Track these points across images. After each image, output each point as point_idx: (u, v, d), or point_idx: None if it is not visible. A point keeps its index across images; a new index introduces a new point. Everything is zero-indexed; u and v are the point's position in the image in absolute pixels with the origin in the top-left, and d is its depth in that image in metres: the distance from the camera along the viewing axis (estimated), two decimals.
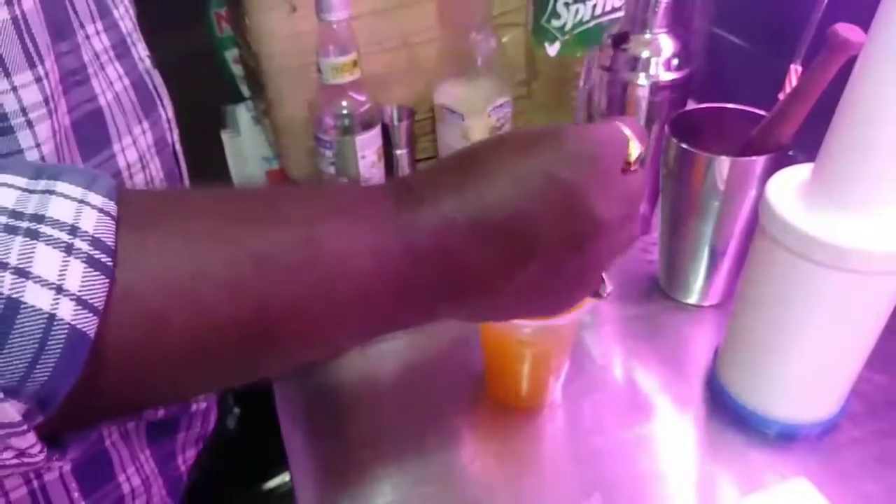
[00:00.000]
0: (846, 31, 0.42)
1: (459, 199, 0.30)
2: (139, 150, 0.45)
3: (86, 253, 0.22)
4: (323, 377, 0.55)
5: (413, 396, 0.52)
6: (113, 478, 0.46)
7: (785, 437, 0.47)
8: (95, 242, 0.22)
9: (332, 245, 0.27)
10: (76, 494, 0.43)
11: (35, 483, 0.41)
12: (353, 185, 0.42)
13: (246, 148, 0.88)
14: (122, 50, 0.44)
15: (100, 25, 0.42)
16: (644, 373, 0.53)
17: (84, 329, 0.21)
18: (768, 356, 0.46)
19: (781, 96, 0.49)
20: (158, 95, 0.49)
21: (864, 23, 0.36)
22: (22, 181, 0.23)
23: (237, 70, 0.99)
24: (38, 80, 0.34)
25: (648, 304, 0.60)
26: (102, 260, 0.22)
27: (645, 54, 0.57)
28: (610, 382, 0.53)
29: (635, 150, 0.34)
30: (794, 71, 0.50)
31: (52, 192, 0.23)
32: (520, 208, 0.30)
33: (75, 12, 0.40)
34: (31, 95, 0.33)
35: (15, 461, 0.23)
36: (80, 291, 0.21)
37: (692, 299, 0.59)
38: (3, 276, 0.20)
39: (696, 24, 0.81)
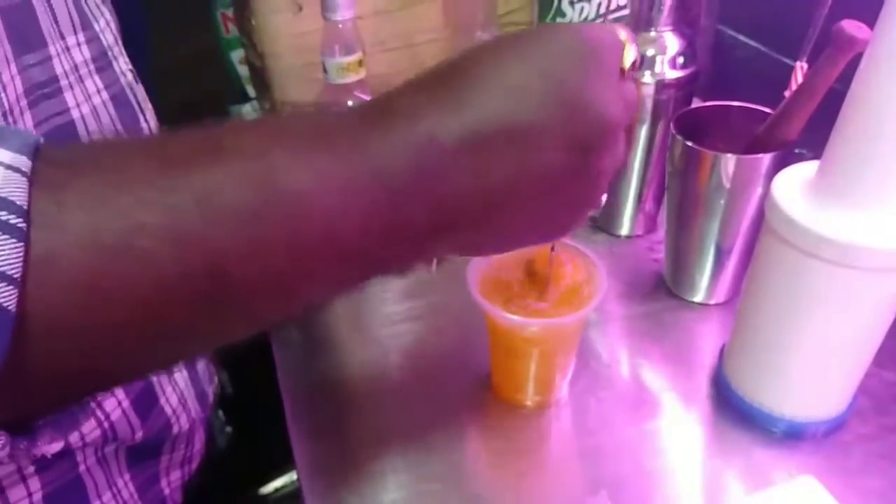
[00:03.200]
0: (852, 28, 0.41)
1: (441, 113, 0.26)
2: None
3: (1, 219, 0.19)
4: (328, 374, 0.55)
5: (419, 393, 0.53)
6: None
7: (791, 435, 0.47)
8: (3, 203, 0.19)
9: (290, 179, 0.23)
10: None
11: None
12: (317, 111, 0.37)
13: None
14: (103, 63, 0.44)
15: (81, 37, 0.42)
16: (650, 371, 0.53)
17: (1, 302, 0.19)
18: (775, 354, 0.45)
19: (787, 94, 0.49)
20: (141, 110, 0.49)
21: (870, 20, 0.36)
22: None
23: (243, 71, 1.00)
24: None
25: (654, 302, 0.60)
26: (12, 222, 0.19)
27: (650, 52, 0.57)
28: (616, 380, 0.53)
29: (630, 54, 0.31)
30: (800, 68, 0.50)
31: None
32: (516, 115, 0.26)
33: (56, 22, 0.40)
34: None
35: None
36: None
37: (698, 297, 0.59)
38: None
39: (702, 22, 0.81)
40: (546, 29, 0.29)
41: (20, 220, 0.19)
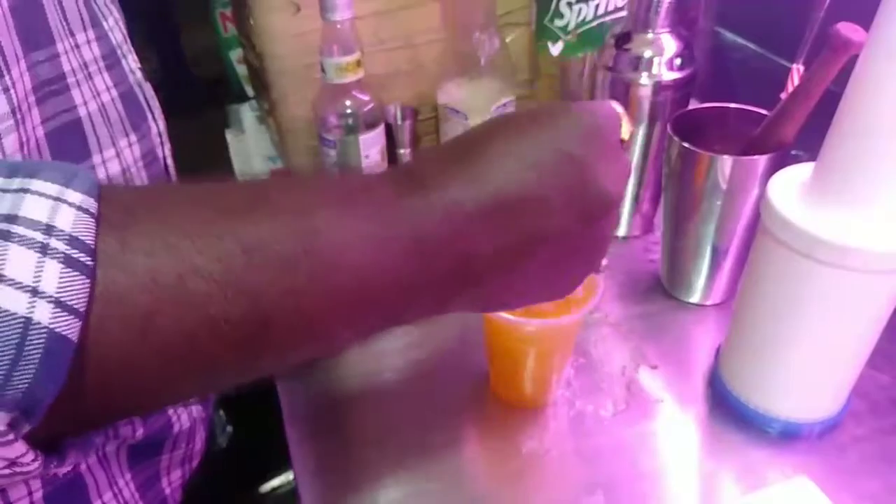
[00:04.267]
0: (848, 30, 0.42)
1: (466, 183, 0.28)
2: (123, 162, 0.44)
3: (63, 253, 0.21)
4: (326, 376, 0.55)
5: (416, 395, 0.53)
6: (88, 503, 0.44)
7: (787, 436, 0.47)
8: (73, 241, 0.21)
9: (328, 235, 0.26)
10: None
11: None
12: (350, 174, 0.40)
13: (250, 147, 0.89)
14: (112, 61, 0.44)
15: (91, 34, 0.42)
16: (646, 371, 0.53)
17: (64, 333, 0.20)
18: (770, 355, 0.46)
19: (783, 96, 0.49)
20: (150, 108, 0.49)
21: (866, 22, 0.36)
22: None
23: (241, 70, 1.00)
24: (6, 90, 0.33)
25: (651, 303, 0.60)
26: (81, 259, 0.21)
27: (647, 54, 0.57)
28: (612, 381, 0.53)
29: (626, 127, 0.34)
30: (797, 70, 0.50)
31: (26, 191, 0.21)
32: (531, 186, 0.29)
33: (65, 20, 0.40)
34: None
35: (7, 471, 0.22)
36: (57, 293, 0.20)
37: (694, 298, 0.59)
38: None
39: (699, 24, 0.81)
40: (557, 107, 0.32)
41: (88, 258, 0.21)
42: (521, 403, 0.51)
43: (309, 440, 0.50)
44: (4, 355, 0.20)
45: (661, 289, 0.61)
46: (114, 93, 0.44)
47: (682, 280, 0.59)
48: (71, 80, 0.39)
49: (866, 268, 0.39)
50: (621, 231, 0.68)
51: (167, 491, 0.53)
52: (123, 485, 0.48)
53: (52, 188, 0.22)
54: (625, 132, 0.34)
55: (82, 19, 0.41)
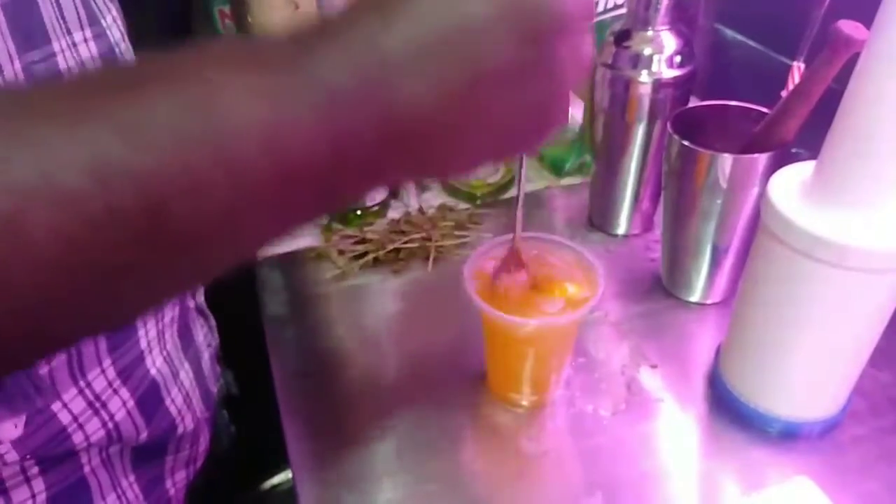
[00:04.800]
0: (849, 28, 0.41)
1: (380, 22, 0.24)
2: None
3: None
4: (324, 375, 0.55)
5: (415, 394, 0.52)
6: None
7: (787, 436, 0.47)
8: None
9: (224, 99, 0.21)
10: None
11: None
12: (246, 37, 0.34)
13: None
14: (110, 60, 0.44)
15: (88, 33, 0.41)
16: (646, 370, 0.53)
17: None
18: (771, 354, 0.45)
19: (784, 94, 0.49)
20: None
21: (867, 20, 0.36)
22: None
23: None
24: None
25: (651, 301, 0.60)
26: None
27: (647, 51, 0.57)
28: (612, 380, 0.53)
29: None
30: (797, 68, 0.49)
31: None
32: (458, 11, 0.24)
33: (62, 18, 0.40)
34: None
35: None
36: None
37: (694, 297, 0.59)
38: None
39: (699, 21, 0.81)
40: None
41: None
42: (520, 403, 0.51)
43: (307, 440, 0.50)
44: None
45: (661, 287, 0.61)
46: None
47: (682, 279, 0.59)
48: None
49: (867, 267, 0.38)
50: (621, 229, 0.68)
51: (171, 492, 0.53)
52: (127, 486, 0.48)
53: None
54: None
55: (79, 17, 0.41)
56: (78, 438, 0.43)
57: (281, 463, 0.66)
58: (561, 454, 0.48)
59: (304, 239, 0.69)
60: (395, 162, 0.26)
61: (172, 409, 0.51)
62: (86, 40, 0.41)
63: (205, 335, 0.60)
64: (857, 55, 0.37)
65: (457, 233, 0.68)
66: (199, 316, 0.60)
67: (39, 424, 0.41)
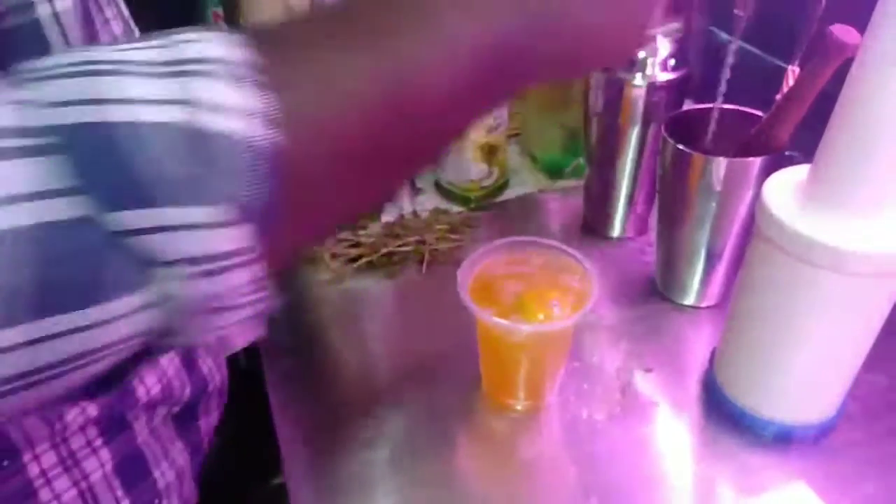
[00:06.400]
0: (842, 32, 0.41)
1: None
2: None
3: (248, 78, 0.21)
4: (318, 380, 0.55)
5: (409, 399, 0.52)
6: (149, 475, 0.47)
7: (782, 439, 0.47)
8: (250, 66, 0.22)
9: (447, 22, 0.27)
10: (119, 493, 0.45)
11: (83, 484, 0.43)
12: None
13: None
14: (130, 36, 0.44)
15: (114, 9, 0.42)
16: (640, 374, 0.53)
17: (275, 144, 0.21)
18: (765, 358, 0.45)
19: (778, 97, 0.49)
20: None
21: (862, 24, 0.36)
22: (153, 43, 0.22)
23: None
24: None
25: (645, 305, 0.60)
26: (264, 81, 0.22)
27: (641, 54, 0.57)
28: (606, 384, 0.52)
29: None
30: (792, 72, 0.49)
31: (187, 41, 0.22)
32: None
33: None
34: None
35: (247, 298, 0.24)
36: (262, 110, 0.21)
37: (689, 300, 0.59)
38: (194, 110, 0.20)
39: (695, 25, 0.81)
40: None
41: (268, 79, 0.22)
42: (515, 408, 0.51)
43: (300, 444, 0.50)
44: (241, 171, 0.21)
45: (655, 291, 0.61)
46: None
47: (676, 282, 0.59)
48: None
49: (862, 271, 0.38)
50: (615, 232, 0.68)
51: (201, 457, 0.55)
52: (177, 453, 0.50)
53: (205, 35, 0.22)
54: None
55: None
56: (141, 392, 0.45)
57: (274, 468, 0.66)
58: (556, 459, 0.48)
59: None
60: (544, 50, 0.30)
61: (204, 368, 0.53)
62: (114, 17, 0.41)
63: None
64: (852, 58, 0.37)
65: (451, 236, 0.68)
66: None
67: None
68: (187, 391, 0.50)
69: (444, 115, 0.29)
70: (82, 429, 0.43)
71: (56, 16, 0.35)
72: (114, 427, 0.45)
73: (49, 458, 0.41)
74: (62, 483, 0.42)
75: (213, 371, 0.55)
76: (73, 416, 0.42)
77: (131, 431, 0.46)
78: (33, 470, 0.41)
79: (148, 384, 0.47)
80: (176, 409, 0.50)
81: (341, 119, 0.24)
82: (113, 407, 0.44)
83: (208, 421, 0.55)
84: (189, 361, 0.51)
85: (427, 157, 0.32)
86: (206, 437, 0.56)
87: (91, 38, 0.39)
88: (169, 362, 0.49)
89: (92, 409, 0.43)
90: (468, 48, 0.27)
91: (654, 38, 0.36)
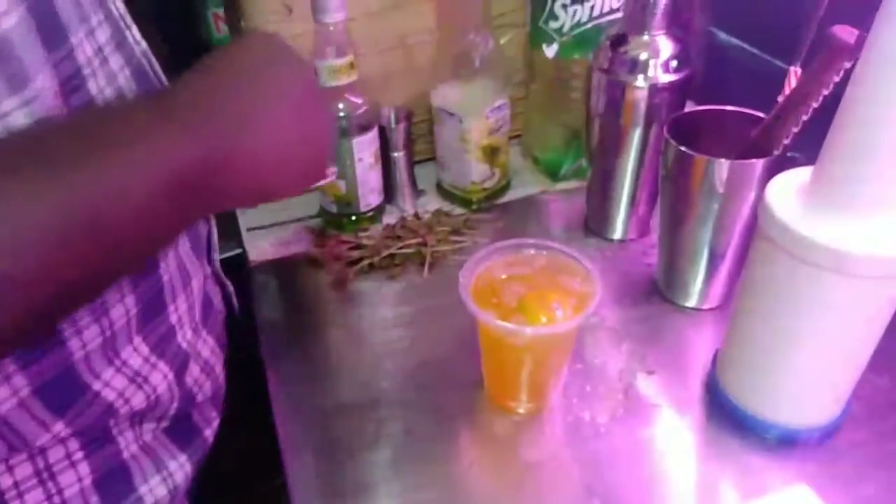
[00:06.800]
0: (844, 33, 0.41)
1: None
2: None
3: None
4: (320, 382, 0.54)
5: (410, 401, 0.52)
6: (132, 491, 0.46)
7: (785, 442, 0.47)
8: None
9: (126, 158, 0.30)
10: None
11: (56, 498, 0.42)
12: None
13: None
14: (120, 38, 0.43)
15: (101, 14, 0.41)
16: (643, 376, 0.53)
17: None
18: (768, 360, 0.45)
19: (781, 98, 0.49)
20: (159, 80, 0.48)
21: (864, 25, 0.36)
22: None
23: None
24: (27, 102, 0.33)
25: (647, 306, 0.60)
26: None
27: (643, 56, 0.57)
28: (609, 386, 0.52)
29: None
30: (794, 73, 0.49)
31: None
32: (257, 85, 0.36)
33: (79, 5, 0.38)
34: (21, 120, 0.33)
35: None
36: None
37: (691, 302, 0.59)
38: None
39: (695, 26, 0.81)
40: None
41: None
42: (517, 410, 0.51)
43: (301, 447, 0.49)
44: None
45: (657, 292, 0.61)
46: (127, 72, 0.43)
47: (678, 284, 0.59)
48: (88, 70, 0.38)
49: (866, 273, 0.38)
50: (617, 234, 0.67)
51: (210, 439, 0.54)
52: (177, 467, 0.49)
53: None
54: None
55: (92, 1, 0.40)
56: (119, 404, 0.44)
57: (275, 469, 0.66)
58: (558, 461, 0.48)
59: (299, 245, 0.69)
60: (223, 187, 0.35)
61: (188, 380, 0.51)
62: (100, 23, 0.40)
63: (218, 302, 0.59)
64: (857, 60, 0.37)
65: (452, 238, 0.68)
66: (216, 283, 0.60)
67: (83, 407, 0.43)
68: (174, 405, 0.49)
69: (122, 244, 0.31)
70: (62, 441, 0.42)
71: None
72: (96, 440, 0.44)
73: (24, 470, 0.41)
74: (35, 496, 0.41)
75: (202, 381, 0.53)
76: (59, 427, 0.41)
77: (115, 445, 0.45)
78: (5, 481, 0.40)
79: (128, 396, 0.45)
80: (165, 423, 0.49)
81: (18, 253, 0.26)
82: (94, 419, 0.43)
83: (210, 432, 0.54)
84: (179, 372, 0.50)
85: (111, 276, 0.34)
86: (211, 445, 0.54)
87: (67, 53, 0.37)
88: (161, 379, 0.47)
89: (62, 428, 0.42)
90: (144, 181, 0.30)
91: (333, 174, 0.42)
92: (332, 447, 0.49)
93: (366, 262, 0.65)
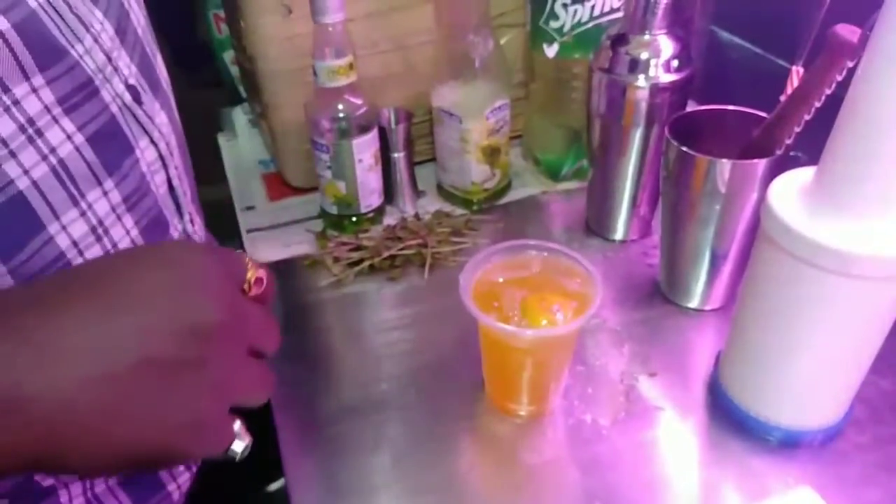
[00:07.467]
0: (846, 32, 0.41)
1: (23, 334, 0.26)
2: (94, 218, 0.40)
3: None
4: (320, 384, 0.54)
5: (411, 404, 0.52)
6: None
7: (788, 444, 0.47)
8: None
9: None
10: None
11: None
12: None
13: (243, 152, 0.87)
14: (80, 97, 0.39)
15: (46, 76, 0.36)
16: (645, 378, 0.53)
17: None
18: (771, 362, 0.45)
19: (783, 98, 0.48)
20: (145, 131, 0.45)
21: (866, 24, 0.36)
22: None
23: (235, 71, 0.99)
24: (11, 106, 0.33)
25: (649, 308, 0.59)
26: None
27: (644, 56, 0.56)
28: (610, 389, 0.52)
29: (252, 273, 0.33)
30: (796, 72, 0.49)
31: None
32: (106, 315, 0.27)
33: (69, 28, 0.38)
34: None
35: None
36: None
37: (693, 303, 0.59)
38: None
39: (696, 25, 0.80)
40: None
41: None
42: (519, 413, 0.50)
43: (301, 449, 0.49)
44: None
45: (659, 294, 0.61)
46: (78, 139, 0.39)
47: (680, 285, 0.58)
48: (4, 151, 0.35)
49: (869, 274, 0.38)
50: (618, 235, 0.67)
51: (175, 496, 0.52)
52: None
53: None
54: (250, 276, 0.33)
55: (35, 60, 0.37)
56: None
57: (275, 472, 0.65)
58: (560, 464, 0.48)
59: (299, 246, 0.69)
60: (9, 440, 0.25)
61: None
62: (41, 86, 0.37)
63: None
64: (860, 59, 0.36)
65: (453, 239, 0.67)
66: None
67: None
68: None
69: None
70: None
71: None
72: (35, 493, 0.41)
73: None
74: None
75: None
76: None
77: (55, 498, 0.43)
78: None
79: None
80: (112, 479, 0.47)
81: None
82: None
83: (174, 486, 0.52)
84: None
85: None
86: (176, 477, 0.52)
87: (65, 68, 0.38)
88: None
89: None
90: None
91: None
92: (332, 450, 0.49)
93: (366, 263, 0.64)
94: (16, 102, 0.35)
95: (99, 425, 0.27)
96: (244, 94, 0.93)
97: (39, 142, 0.36)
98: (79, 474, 0.37)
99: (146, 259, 0.29)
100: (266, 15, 0.65)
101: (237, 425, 0.32)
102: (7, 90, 0.34)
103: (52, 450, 0.26)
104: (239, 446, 0.32)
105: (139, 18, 0.49)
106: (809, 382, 0.44)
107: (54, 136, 0.37)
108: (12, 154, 0.35)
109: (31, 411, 0.25)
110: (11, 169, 0.35)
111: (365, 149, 0.66)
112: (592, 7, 0.66)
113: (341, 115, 0.64)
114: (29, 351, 0.25)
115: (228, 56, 1.05)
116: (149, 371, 0.27)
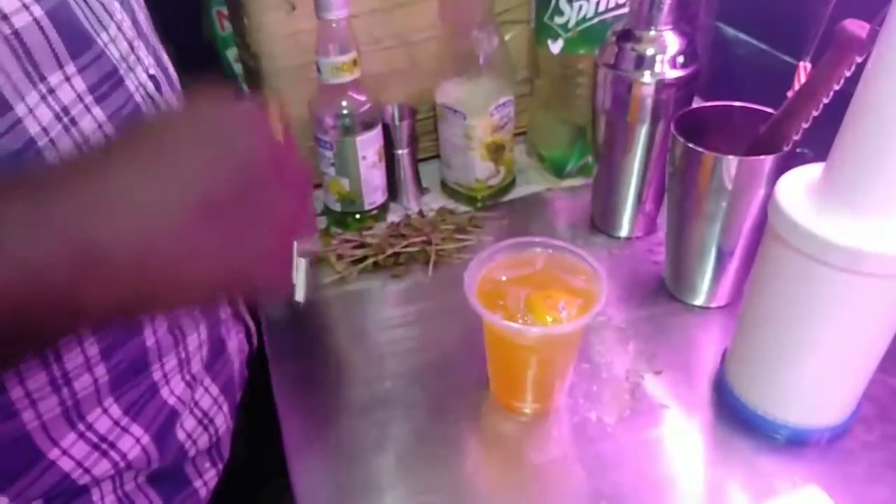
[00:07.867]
0: (855, 27, 0.41)
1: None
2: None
3: None
4: (324, 382, 0.54)
5: (415, 402, 0.52)
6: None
7: (795, 442, 0.46)
8: None
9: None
10: None
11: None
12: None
13: None
14: (108, 86, 0.39)
15: (77, 64, 0.37)
16: (651, 376, 0.52)
17: None
18: (778, 360, 0.45)
19: (790, 94, 0.48)
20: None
21: (876, 18, 0.35)
22: None
23: (239, 68, 0.98)
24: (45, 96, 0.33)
25: (654, 305, 0.59)
26: None
27: (650, 52, 0.56)
28: (616, 387, 0.52)
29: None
30: (804, 68, 0.49)
31: None
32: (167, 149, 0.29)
33: (95, 16, 0.38)
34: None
35: None
36: None
37: (699, 301, 0.58)
38: None
39: (702, 21, 0.80)
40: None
41: None
42: (524, 411, 0.50)
43: (305, 448, 0.49)
44: None
45: (664, 291, 0.60)
46: (108, 129, 0.39)
47: (686, 282, 0.58)
48: (41, 142, 0.35)
49: (877, 272, 0.37)
50: (624, 232, 0.67)
51: (202, 493, 0.53)
52: None
53: None
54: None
55: (64, 50, 0.37)
56: (84, 480, 0.43)
57: (279, 471, 0.65)
58: (565, 462, 0.47)
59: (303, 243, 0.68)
60: (94, 292, 0.27)
61: (181, 435, 0.50)
62: (68, 78, 0.37)
63: (239, 342, 0.59)
64: (868, 54, 0.36)
65: (457, 236, 0.67)
66: (237, 323, 0.59)
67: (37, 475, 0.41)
68: (155, 460, 0.47)
69: None
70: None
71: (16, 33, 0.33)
72: (68, 492, 0.43)
73: None
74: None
75: (197, 434, 0.51)
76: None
77: (88, 496, 0.44)
78: None
79: (89, 465, 0.44)
80: (142, 477, 0.48)
81: None
82: (47, 489, 0.41)
83: (201, 483, 0.53)
84: (162, 431, 0.48)
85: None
86: (203, 475, 0.53)
87: (92, 56, 0.37)
88: (133, 444, 0.46)
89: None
90: None
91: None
92: (336, 448, 0.49)
93: (370, 260, 0.64)
94: (51, 91, 0.35)
95: (171, 268, 0.29)
96: (248, 92, 0.93)
97: (74, 131, 0.36)
98: (159, 312, 0.39)
99: (191, 114, 0.32)
100: (270, 12, 0.65)
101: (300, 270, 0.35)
102: (43, 78, 0.35)
103: (132, 295, 0.28)
104: (300, 294, 0.35)
105: (143, 15, 0.49)
106: (817, 380, 0.44)
107: (87, 125, 0.37)
108: (52, 143, 0.35)
109: (110, 262, 0.27)
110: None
111: (368, 146, 0.66)
112: (597, 3, 0.66)
113: (345, 111, 0.63)
114: (102, 205, 0.27)
115: (231, 53, 1.04)
116: (211, 211, 0.29)
